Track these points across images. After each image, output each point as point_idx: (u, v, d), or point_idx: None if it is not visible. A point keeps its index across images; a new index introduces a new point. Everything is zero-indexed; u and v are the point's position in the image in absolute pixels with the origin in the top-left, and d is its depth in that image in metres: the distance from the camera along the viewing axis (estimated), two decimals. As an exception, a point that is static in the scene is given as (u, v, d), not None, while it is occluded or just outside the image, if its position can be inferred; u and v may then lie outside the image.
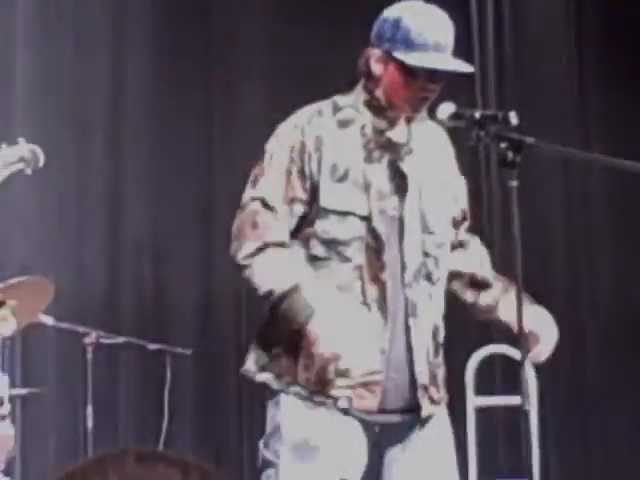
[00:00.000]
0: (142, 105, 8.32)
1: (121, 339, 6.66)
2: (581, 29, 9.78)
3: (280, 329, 3.90)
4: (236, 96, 8.28)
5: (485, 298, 4.06)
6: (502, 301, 4.00)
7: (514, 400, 5.34)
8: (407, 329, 3.89)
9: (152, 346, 6.80)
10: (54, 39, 8.03)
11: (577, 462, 7.54)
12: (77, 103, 7.96)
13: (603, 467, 8.42)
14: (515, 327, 3.71)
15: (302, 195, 3.82)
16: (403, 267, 3.86)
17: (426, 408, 3.85)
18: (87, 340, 6.36)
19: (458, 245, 4.11)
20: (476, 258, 4.16)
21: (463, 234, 4.14)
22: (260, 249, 3.78)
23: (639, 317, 9.15)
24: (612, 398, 8.77)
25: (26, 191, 5.50)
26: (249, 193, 3.87)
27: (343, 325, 3.77)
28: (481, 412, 6.93)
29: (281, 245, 3.83)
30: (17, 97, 7.77)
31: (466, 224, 4.17)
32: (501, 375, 7.41)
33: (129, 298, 7.89)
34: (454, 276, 4.10)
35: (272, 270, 3.81)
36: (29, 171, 3.42)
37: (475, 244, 4.20)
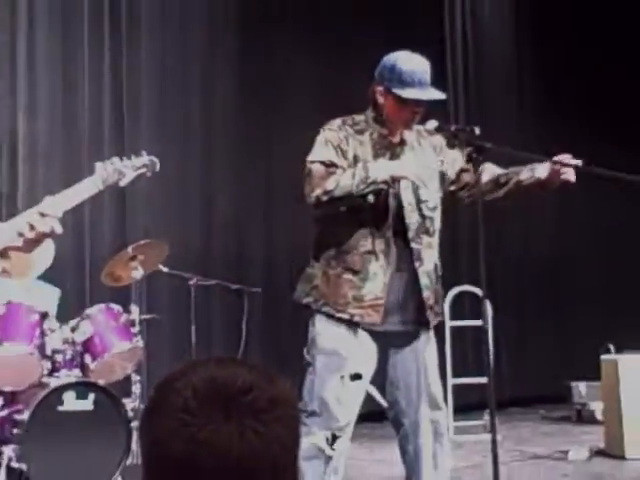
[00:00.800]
0: (227, 121, 8.58)
1: (213, 281, 6.96)
2: (521, 64, 10.08)
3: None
4: (291, 111, 8.55)
5: (511, 184, 4.27)
6: (519, 176, 4.23)
7: (477, 322, 6.25)
8: (414, 269, 4.22)
9: (234, 286, 7.08)
10: (172, 81, 8.29)
11: (518, 363, 8.26)
12: (180, 123, 8.24)
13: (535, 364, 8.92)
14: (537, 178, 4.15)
15: (338, 164, 4.13)
16: (406, 228, 4.21)
17: (432, 319, 4.26)
18: (190, 282, 6.60)
19: (477, 176, 4.14)
20: (490, 171, 4.29)
21: (477, 168, 4.13)
22: (327, 191, 4.03)
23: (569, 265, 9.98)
24: (542, 320, 9.21)
25: (148, 185, 5.60)
26: (310, 159, 4.16)
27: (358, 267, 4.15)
28: (455, 330, 7.22)
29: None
30: (142, 124, 8.07)
31: (469, 172, 4.32)
32: (469, 306, 7.31)
33: (218, 254, 8.30)
34: (490, 190, 4.30)
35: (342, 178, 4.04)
36: (149, 174, 3.49)
37: (487, 166, 4.30)
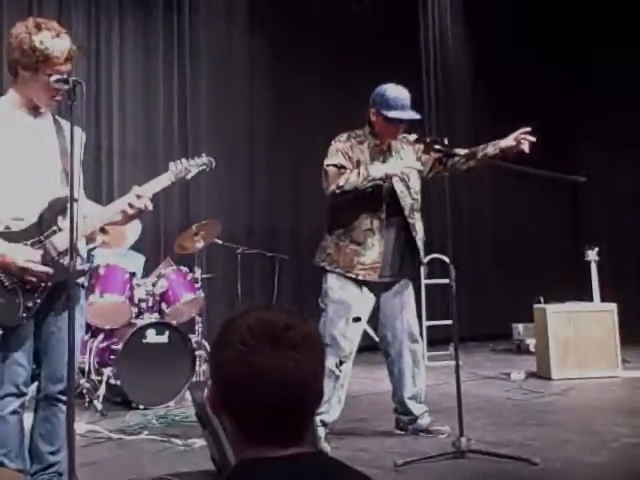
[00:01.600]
0: (265, 127, 8.53)
1: (254, 250, 6.96)
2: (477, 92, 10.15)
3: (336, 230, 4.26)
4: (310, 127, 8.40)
5: (480, 155, 4.26)
6: (482, 150, 4.24)
7: (444, 281, 6.30)
8: (412, 238, 4.30)
9: (269, 254, 7.22)
10: (224, 99, 8.21)
11: (474, 310, 8.25)
12: (229, 130, 8.16)
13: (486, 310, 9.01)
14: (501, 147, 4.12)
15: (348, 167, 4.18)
16: (402, 208, 4.28)
17: (423, 273, 4.72)
18: (237, 251, 6.70)
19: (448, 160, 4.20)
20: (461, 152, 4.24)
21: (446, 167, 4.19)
22: (339, 186, 4.11)
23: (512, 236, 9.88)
24: (491, 278, 9.38)
25: (206, 177, 5.44)
26: (327, 163, 4.22)
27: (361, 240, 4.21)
28: (428, 286, 7.14)
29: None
30: (202, 131, 8.01)
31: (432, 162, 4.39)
32: (438, 268, 7.06)
33: (258, 229, 8.23)
34: (458, 165, 4.30)
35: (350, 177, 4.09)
36: (208, 170, 3.38)
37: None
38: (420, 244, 4.35)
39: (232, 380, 1.38)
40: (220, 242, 6.49)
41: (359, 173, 4.12)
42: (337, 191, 4.13)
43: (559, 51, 10.40)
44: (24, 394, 3.02)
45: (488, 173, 8.20)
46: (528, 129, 4.13)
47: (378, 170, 4.14)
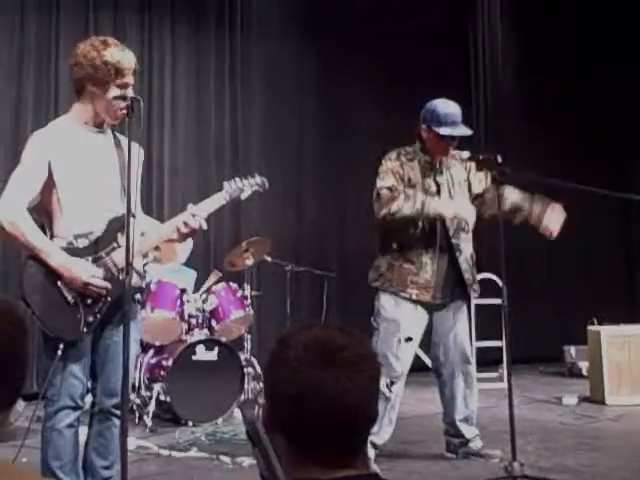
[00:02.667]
0: (314, 148, 8.52)
1: (302, 268, 6.93)
2: (529, 106, 9.48)
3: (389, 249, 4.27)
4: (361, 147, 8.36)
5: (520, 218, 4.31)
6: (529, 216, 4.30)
7: (495, 301, 6.02)
8: (456, 259, 4.28)
9: (317, 272, 7.05)
10: (274, 119, 8.24)
11: (524, 331, 7.84)
12: (280, 149, 8.17)
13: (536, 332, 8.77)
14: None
15: (399, 188, 4.19)
16: (447, 227, 4.26)
17: (473, 295, 4.34)
18: (286, 268, 6.58)
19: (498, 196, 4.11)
20: (510, 199, 4.26)
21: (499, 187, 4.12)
22: (391, 212, 4.11)
23: (563, 255, 9.59)
24: (542, 298, 9.08)
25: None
26: (379, 185, 4.21)
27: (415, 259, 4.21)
28: (479, 307, 7.10)
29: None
30: (253, 151, 8.07)
31: (490, 192, 4.36)
32: (487, 287, 6.64)
33: (306, 247, 8.21)
34: (506, 215, 4.23)
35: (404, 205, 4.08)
36: (261, 190, 3.43)
37: (507, 191, 4.26)
38: (464, 265, 4.31)
39: (286, 398, 1.37)
40: (269, 259, 6.49)
41: (414, 205, 4.11)
42: (388, 217, 4.15)
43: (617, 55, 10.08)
44: (80, 407, 3.08)
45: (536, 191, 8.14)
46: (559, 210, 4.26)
47: (433, 207, 4.14)
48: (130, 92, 3.06)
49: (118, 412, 3.06)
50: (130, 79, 3.05)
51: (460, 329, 4.40)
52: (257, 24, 8.26)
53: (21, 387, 1.29)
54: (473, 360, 4.52)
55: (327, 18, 8.51)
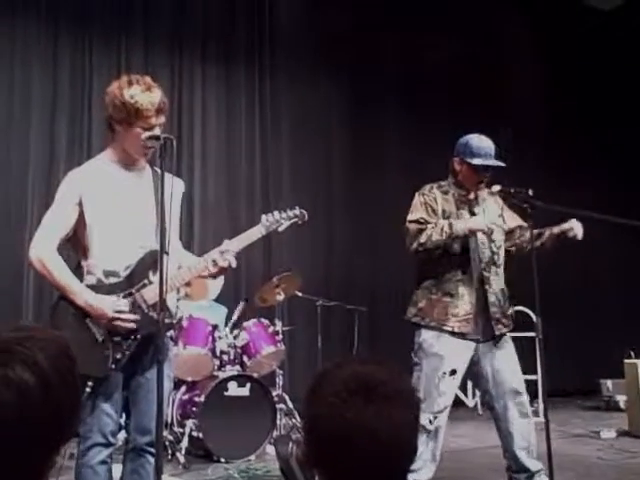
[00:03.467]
0: (344, 181, 8.63)
1: (333, 303, 6.90)
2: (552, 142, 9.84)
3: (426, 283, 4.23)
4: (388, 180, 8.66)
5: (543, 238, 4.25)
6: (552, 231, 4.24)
7: (528, 334, 6.12)
8: (485, 291, 4.21)
9: (348, 306, 7.16)
10: (303, 155, 8.36)
11: (559, 364, 7.79)
12: (309, 182, 8.27)
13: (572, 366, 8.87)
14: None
15: (430, 221, 4.15)
16: (480, 260, 4.23)
17: (498, 330, 4.20)
18: (317, 303, 6.68)
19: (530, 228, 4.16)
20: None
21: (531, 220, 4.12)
22: (421, 243, 4.10)
23: (595, 288, 9.71)
24: (577, 331, 9.15)
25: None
26: (409, 219, 4.22)
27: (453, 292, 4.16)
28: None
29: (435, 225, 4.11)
30: (283, 185, 8.22)
31: (519, 230, 4.39)
32: (521, 320, 6.69)
33: (337, 282, 8.24)
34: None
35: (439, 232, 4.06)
36: (300, 222, 3.41)
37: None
38: (492, 298, 4.24)
39: (325, 434, 1.38)
40: (300, 294, 6.51)
41: (442, 229, 4.09)
42: (420, 249, 4.13)
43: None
44: (112, 444, 3.06)
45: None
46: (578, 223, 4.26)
47: (461, 225, 4.11)
48: (157, 130, 3.06)
49: (152, 449, 3.05)
50: (154, 120, 3.04)
51: (508, 360, 4.30)
52: (286, 64, 8.39)
53: (78, 422, 1.31)
54: (524, 390, 4.33)
55: (356, 58, 8.60)
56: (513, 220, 4.46)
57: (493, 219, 4.34)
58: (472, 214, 4.31)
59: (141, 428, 3.10)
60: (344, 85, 8.65)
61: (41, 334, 1.29)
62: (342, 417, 1.36)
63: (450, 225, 4.09)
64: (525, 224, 4.36)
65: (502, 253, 4.37)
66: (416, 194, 4.35)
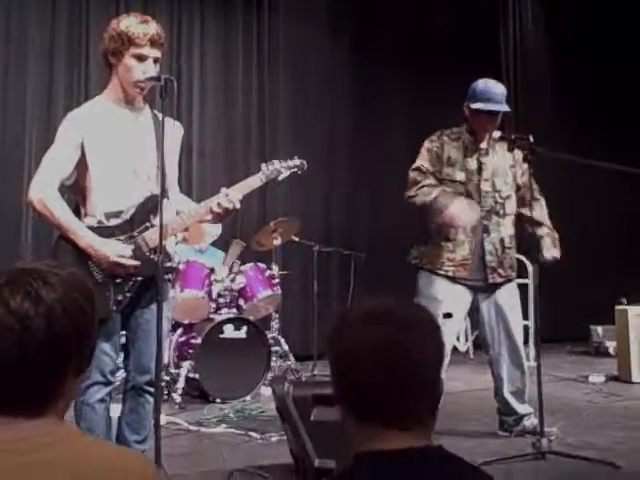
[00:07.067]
0: (344, 127, 8.53)
1: (330, 248, 7.00)
2: (557, 85, 9.68)
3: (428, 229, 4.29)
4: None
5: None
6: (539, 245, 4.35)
7: (522, 281, 6.36)
8: (483, 239, 4.29)
9: (345, 252, 7.20)
10: (303, 103, 8.28)
11: (551, 311, 7.81)
12: (308, 131, 8.16)
13: (564, 312, 8.78)
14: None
15: (432, 169, 4.27)
16: (481, 208, 4.26)
17: (493, 279, 4.28)
18: (314, 249, 6.68)
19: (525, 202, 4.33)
20: (537, 217, 4.34)
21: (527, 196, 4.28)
22: (419, 188, 4.21)
23: (590, 238, 9.67)
24: (570, 279, 8.95)
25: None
26: (412, 166, 4.32)
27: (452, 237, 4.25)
28: None
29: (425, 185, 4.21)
30: (280, 134, 8.11)
31: (522, 191, 4.41)
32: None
33: (335, 228, 8.25)
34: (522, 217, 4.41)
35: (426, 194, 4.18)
36: (299, 172, 3.41)
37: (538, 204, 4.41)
38: (489, 247, 4.30)
39: (348, 358, 1.38)
40: (297, 239, 6.54)
41: (427, 195, 4.16)
42: (407, 200, 4.24)
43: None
44: (111, 382, 3.13)
45: (565, 173, 8.13)
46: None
47: (442, 202, 4.14)
48: (151, 64, 3.05)
49: (150, 389, 3.12)
50: (145, 50, 3.02)
51: (508, 309, 4.37)
52: (285, 8, 8.27)
53: (92, 357, 1.36)
54: (520, 339, 4.43)
55: (357, 5, 8.50)
56: (523, 177, 4.46)
57: (502, 169, 4.37)
58: (480, 163, 4.34)
59: (140, 368, 3.15)
60: (346, 30, 8.55)
61: (55, 272, 1.31)
62: (364, 338, 1.36)
63: (435, 198, 4.14)
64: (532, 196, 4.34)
65: (510, 204, 4.40)
66: (426, 140, 4.38)
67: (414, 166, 4.31)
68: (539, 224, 4.34)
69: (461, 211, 4.12)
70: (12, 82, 6.77)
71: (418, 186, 4.20)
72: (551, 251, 4.39)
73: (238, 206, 3.16)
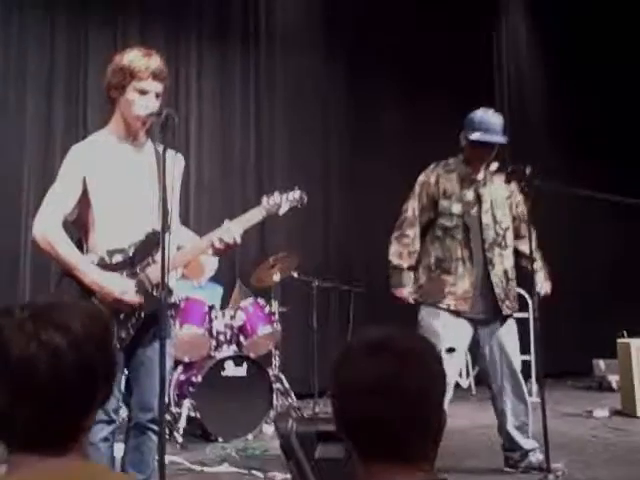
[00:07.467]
0: (341, 162, 8.51)
1: (329, 284, 6.90)
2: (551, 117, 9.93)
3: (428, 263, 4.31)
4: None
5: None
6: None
7: (523, 315, 6.21)
8: (488, 272, 4.28)
9: (344, 287, 7.11)
10: (299, 132, 8.21)
11: (552, 345, 7.59)
12: (304, 163, 8.08)
13: (565, 346, 8.78)
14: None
15: (428, 206, 4.33)
16: (483, 241, 4.28)
17: (504, 311, 4.28)
18: (313, 284, 6.53)
19: (519, 234, 4.43)
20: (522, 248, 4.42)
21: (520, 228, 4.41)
22: (396, 238, 4.34)
23: (586, 272, 9.68)
24: (569, 313, 9.07)
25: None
26: (404, 205, 4.37)
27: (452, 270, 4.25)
28: None
29: (406, 236, 4.32)
30: (277, 167, 8.05)
31: (516, 222, 4.46)
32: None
33: (333, 263, 8.21)
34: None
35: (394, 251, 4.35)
36: (299, 206, 3.36)
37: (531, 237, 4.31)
38: (495, 279, 4.28)
39: (352, 392, 1.39)
40: (296, 275, 6.49)
41: (392, 259, 4.39)
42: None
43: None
44: (114, 421, 3.10)
45: (563, 205, 8.17)
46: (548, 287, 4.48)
47: (395, 281, 4.36)
48: (152, 98, 3.06)
49: (154, 426, 3.09)
50: (146, 84, 3.04)
51: (509, 342, 4.36)
52: (281, 41, 8.31)
53: (112, 389, 1.38)
54: (520, 373, 4.44)
55: (351, 34, 8.55)
56: (518, 208, 4.50)
57: (500, 201, 4.38)
58: (477, 195, 4.33)
59: (143, 405, 3.13)
60: (340, 64, 8.56)
61: (75, 304, 1.35)
62: (368, 372, 1.37)
63: (395, 267, 4.38)
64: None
65: (509, 235, 4.40)
66: (421, 174, 4.40)
67: (405, 206, 4.35)
68: (532, 258, 4.31)
69: (406, 296, 4.34)
70: (10, 118, 6.77)
71: (400, 232, 4.33)
72: (544, 286, 4.43)
73: (239, 241, 3.15)
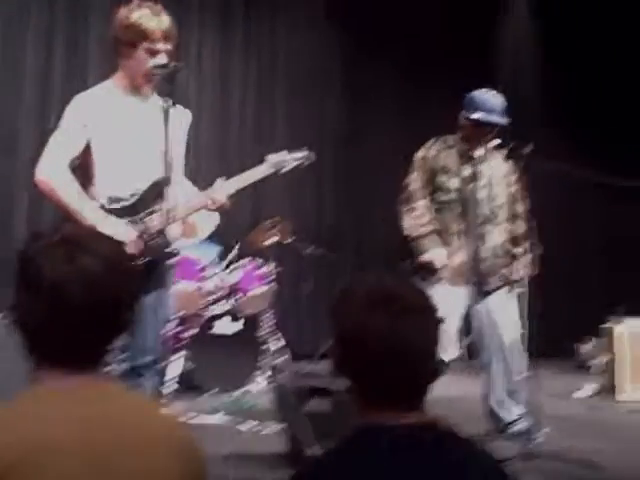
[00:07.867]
0: (336, 130, 8.42)
1: (319, 250, 6.92)
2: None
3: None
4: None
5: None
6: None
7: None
8: (478, 247, 4.31)
9: (336, 255, 7.22)
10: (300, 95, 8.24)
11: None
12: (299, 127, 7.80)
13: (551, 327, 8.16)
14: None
15: (427, 180, 4.31)
16: (477, 216, 4.31)
17: (487, 285, 4.31)
18: (305, 251, 6.74)
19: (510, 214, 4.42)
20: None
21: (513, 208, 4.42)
22: (407, 212, 4.33)
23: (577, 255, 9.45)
24: (557, 293, 8.83)
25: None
26: (406, 180, 4.38)
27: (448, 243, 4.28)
28: None
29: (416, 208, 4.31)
30: (278, 130, 8.04)
31: (510, 202, 4.44)
32: None
33: (324, 230, 8.10)
34: None
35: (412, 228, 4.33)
36: (305, 163, 3.41)
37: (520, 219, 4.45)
38: (484, 254, 4.32)
39: (351, 342, 1.46)
40: (290, 240, 6.56)
41: (412, 228, 4.31)
42: (399, 214, 4.39)
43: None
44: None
45: (552, 185, 8.07)
46: None
47: (422, 247, 4.27)
48: (163, 57, 3.07)
49: (151, 368, 3.15)
50: (160, 45, 3.05)
51: (502, 316, 4.38)
52: (285, 7, 8.29)
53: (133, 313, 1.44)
54: (514, 344, 4.42)
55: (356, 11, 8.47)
56: (517, 184, 4.51)
57: (497, 178, 4.40)
58: (475, 171, 4.36)
59: (141, 348, 3.16)
60: (341, 34, 8.51)
61: (100, 232, 1.47)
62: (366, 325, 1.44)
63: (418, 238, 4.29)
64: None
65: (504, 211, 4.44)
66: (421, 148, 4.43)
67: (405, 181, 4.37)
68: (517, 242, 4.35)
69: (438, 259, 4.24)
70: (9, 69, 6.63)
71: (410, 206, 4.30)
72: (519, 273, 4.41)
73: (224, 200, 3.20)
